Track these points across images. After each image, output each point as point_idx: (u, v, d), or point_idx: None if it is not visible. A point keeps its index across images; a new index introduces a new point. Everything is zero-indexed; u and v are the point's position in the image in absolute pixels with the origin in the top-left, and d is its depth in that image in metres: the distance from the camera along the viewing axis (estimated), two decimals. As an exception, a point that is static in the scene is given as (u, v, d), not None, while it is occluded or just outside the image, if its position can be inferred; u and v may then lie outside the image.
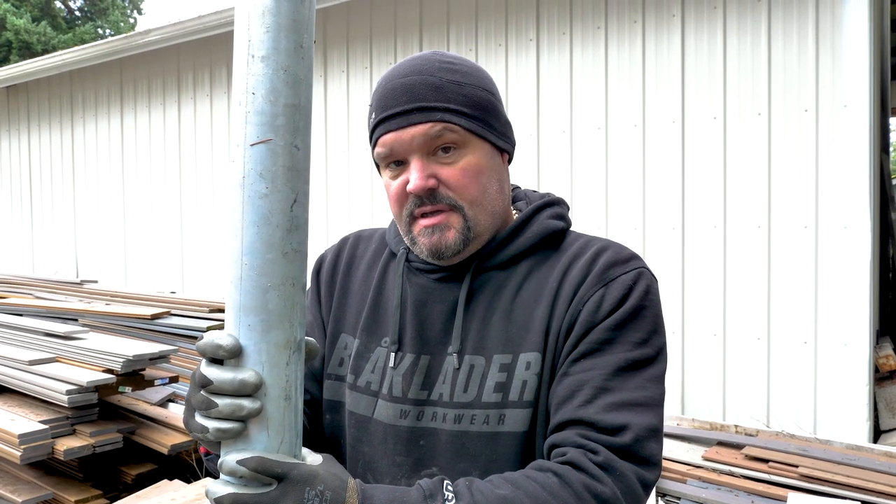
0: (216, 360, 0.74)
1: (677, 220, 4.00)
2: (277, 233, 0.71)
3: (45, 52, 18.07)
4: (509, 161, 1.08)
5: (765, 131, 3.75)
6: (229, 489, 0.72)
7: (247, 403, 0.71)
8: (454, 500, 0.79)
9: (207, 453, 0.98)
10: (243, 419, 0.72)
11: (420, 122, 0.95)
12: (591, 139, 4.27)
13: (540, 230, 1.04)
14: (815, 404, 3.63)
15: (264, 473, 0.71)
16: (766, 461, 3.13)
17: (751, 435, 3.41)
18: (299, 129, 0.72)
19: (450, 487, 0.81)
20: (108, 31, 22.79)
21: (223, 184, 6.05)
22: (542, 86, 4.46)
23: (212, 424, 0.72)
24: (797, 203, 3.67)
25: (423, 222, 0.99)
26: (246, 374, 0.71)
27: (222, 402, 0.71)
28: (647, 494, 0.89)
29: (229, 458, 0.72)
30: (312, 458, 0.76)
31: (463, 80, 0.99)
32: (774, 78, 3.73)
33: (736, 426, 3.49)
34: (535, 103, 4.47)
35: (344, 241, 1.21)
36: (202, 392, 0.73)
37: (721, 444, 3.38)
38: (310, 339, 0.79)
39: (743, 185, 3.81)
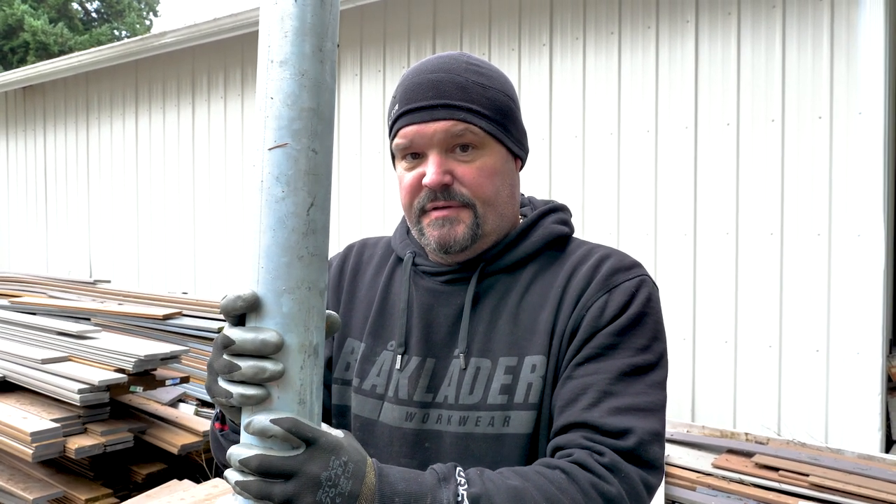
0: (239, 323, 0.74)
1: (689, 227, 3.99)
2: (293, 236, 0.71)
3: (61, 53, 18.24)
4: (521, 168, 1.09)
5: (778, 138, 3.73)
6: (255, 451, 0.71)
7: (269, 365, 0.70)
8: (466, 486, 0.80)
9: (222, 429, 0.98)
10: (265, 381, 0.71)
11: (443, 119, 0.97)
12: (603, 144, 4.27)
13: (545, 235, 1.06)
14: (827, 413, 3.61)
15: (297, 435, 0.71)
16: (776, 469, 3.11)
17: (761, 443, 3.39)
18: (318, 133, 0.72)
19: (462, 473, 0.82)
20: (124, 32, 22.97)
21: (236, 186, 6.08)
22: (554, 90, 4.46)
23: (235, 389, 0.72)
24: (810, 210, 3.65)
25: (435, 214, 1.00)
26: (267, 334, 0.70)
27: (245, 365, 0.70)
28: (651, 498, 0.90)
29: (260, 417, 0.71)
30: (335, 432, 0.77)
31: (488, 83, 1.01)
32: (788, 84, 3.72)
33: (746, 434, 3.47)
34: (547, 108, 4.47)
35: (350, 247, 1.22)
36: (225, 355, 0.73)
37: (731, 451, 3.36)
38: (331, 312, 0.79)
39: (756, 192, 3.79)
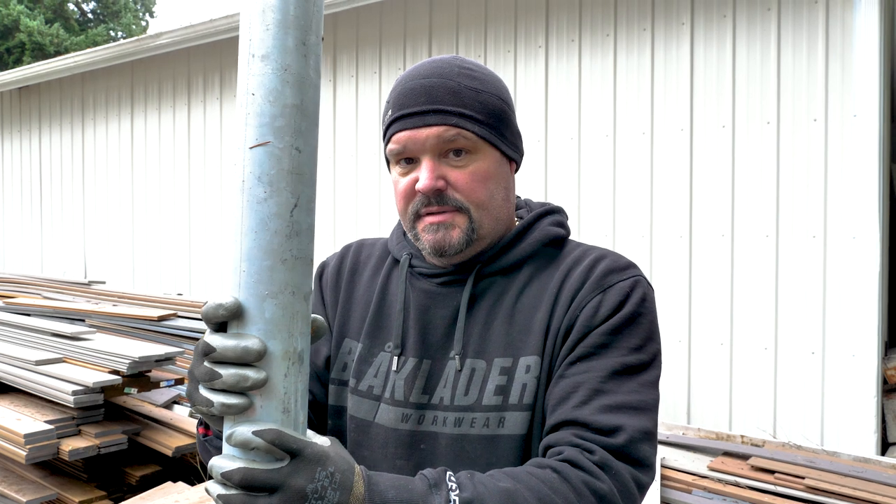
0: (220, 330, 0.71)
1: (685, 229, 3.99)
2: (276, 239, 0.69)
3: (57, 53, 18.20)
4: (516, 171, 1.09)
5: (773, 140, 3.74)
6: (238, 463, 0.69)
7: (251, 374, 0.68)
8: (458, 491, 0.79)
9: (206, 434, 0.96)
10: (248, 390, 0.69)
11: (435, 124, 0.97)
12: (599, 146, 4.27)
13: (541, 237, 1.06)
14: (823, 415, 3.61)
15: (280, 447, 0.68)
16: (772, 472, 3.11)
17: (757, 445, 3.39)
18: (301, 130, 0.69)
19: (452, 478, 0.81)
20: (120, 33, 22.93)
21: (231, 187, 6.06)
22: (550, 93, 4.46)
23: (217, 398, 0.69)
24: (806, 213, 3.65)
25: (429, 219, 1.00)
26: (249, 341, 0.68)
27: (226, 373, 0.68)
28: (642, 496, 0.90)
29: (242, 428, 0.69)
30: (321, 440, 0.74)
31: (480, 87, 1.01)
32: (783, 87, 3.72)
33: (742, 436, 3.47)
34: (543, 110, 4.47)
35: (347, 248, 1.22)
36: (206, 363, 0.70)
37: (727, 454, 3.36)
38: (317, 316, 0.77)
39: (751, 194, 3.80)
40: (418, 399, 1.01)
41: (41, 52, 18.78)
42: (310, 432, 0.76)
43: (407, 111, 0.99)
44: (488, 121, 1.00)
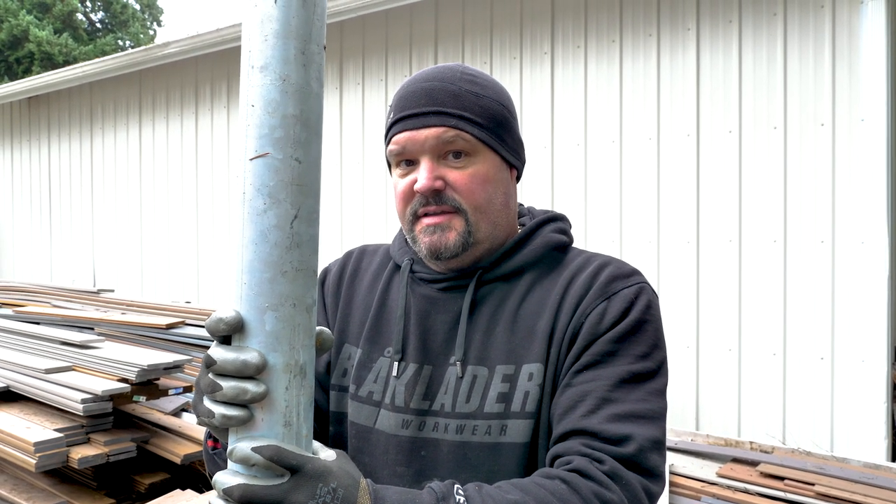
0: (225, 341, 0.72)
1: (692, 234, 3.98)
2: (276, 251, 0.69)
3: (66, 63, 18.34)
4: (517, 178, 1.09)
5: (781, 145, 3.73)
6: (238, 479, 0.69)
7: (250, 387, 0.68)
8: None
9: (215, 447, 0.97)
10: (248, 403, 0.69)
11: (434, 126, 0.98)
12: (605, 152, 4.27)
13: (543, 243, 1.06)
14: (832, 421, 3.59)
15: (279, 464, 0.69)
16: (781, 479, 3.09)
17: (766, 452, 3.37)
18: (302, 141, 0.69)
19: (460, 491, 0.81)
20: (128, 42, 23.09)
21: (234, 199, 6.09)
22: (556, 99, 4.46)
23: (218, 410, 0.70)
24: (814, 218, 3.64)
25: (426, 221, 1.01)
26: (248, 355, 0.68)
27: (226, 385, 0.69)
28: None
29: (242, 444, 0.69)
30: (326, 454, 0.74)
31: (481, 91, 1.02)
32: (790, 91, 3.71)
33: (751, 443, 3.45)
34: (549, 116, 4.47)
35: (349, 254, 1.23)
36: (210, 374, 0.71)
37: (736, 460, 3.35)
38: (323, 328, 0.77)
39: (759, 200, 3.79)
40: (419, 405, 1.00)
41: (50, 62, 18.93)
42: (317, 445, 0.75)
43: (407, 112, 1.00)
44: (488, 125, 1.00)
